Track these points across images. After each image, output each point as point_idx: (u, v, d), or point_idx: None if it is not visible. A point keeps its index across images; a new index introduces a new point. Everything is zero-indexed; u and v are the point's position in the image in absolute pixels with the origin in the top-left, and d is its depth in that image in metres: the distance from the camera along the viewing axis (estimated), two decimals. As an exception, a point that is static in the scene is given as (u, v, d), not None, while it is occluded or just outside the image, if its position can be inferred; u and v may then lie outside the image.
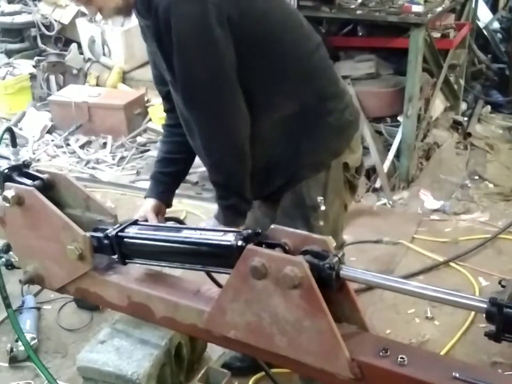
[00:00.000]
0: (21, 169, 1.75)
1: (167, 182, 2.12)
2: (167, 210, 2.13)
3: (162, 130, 2.25)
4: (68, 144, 5.00)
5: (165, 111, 2.16)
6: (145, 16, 1.81)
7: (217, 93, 1.76)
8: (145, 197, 2.11)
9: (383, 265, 3.24)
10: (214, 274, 1.57)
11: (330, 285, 1.24)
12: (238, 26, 1.73)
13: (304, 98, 1.87)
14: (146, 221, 1.95)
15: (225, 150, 1.81)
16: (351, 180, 2.03)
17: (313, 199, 1.94)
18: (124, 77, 5.64)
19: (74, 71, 5.59)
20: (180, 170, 2.16)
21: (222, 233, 1.39)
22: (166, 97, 2.06)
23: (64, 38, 6.11)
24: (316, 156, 1.92)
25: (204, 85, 1.76)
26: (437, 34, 4.33)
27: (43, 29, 5.96)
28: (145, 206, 2.06)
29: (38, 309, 2.88)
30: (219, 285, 1.58)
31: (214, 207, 3.98)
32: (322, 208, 1.94)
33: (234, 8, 1.72)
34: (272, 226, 1.36)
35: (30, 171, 1.74)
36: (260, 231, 1.36)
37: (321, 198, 1.93)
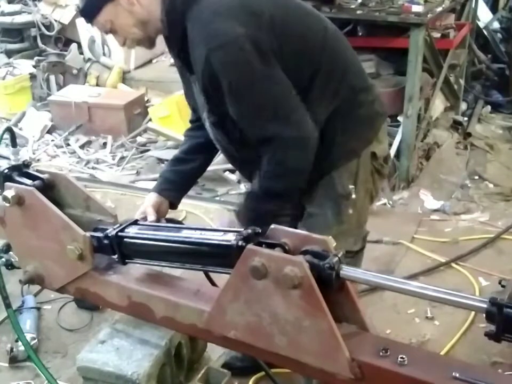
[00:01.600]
0: (21, 169, 1.75)
1: (173, 180, 2.13)
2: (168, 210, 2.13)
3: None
4: (68, 144, 5.00)
5: (190, 121, 2.22)
6: (178, 54, 1.91)
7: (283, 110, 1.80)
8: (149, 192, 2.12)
9: (383, 265, 3.24)
10: (212, 274, 1.57)
11: (330, 285, 1.24)
12: (278, 53, 1.78)
13: (343, 95, 1.92)
14: (146, 218, 1.95)
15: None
16: (379, 169, 2.06)
17: (345, 187, 1.97)
18: (124, 77, 5.64)
19: (74, 71, 5.59)
20: (189, 171, 2.15)
21: (222, 233, 1.39)
22: (194, 109, 2.14)
23: (64, 38, 6.12)
24: (347, 147, 1.96)
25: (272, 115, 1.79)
26: (437, 34, 4.32)
27: (43, 29, 5.96)
28: (146, 201, 2.06)
29: (38, 309, 2.88)
30: (214, 285, 1.59)
31: (214, 207, 3.97)
32: (353, 196, 1.98)
33: (270, 37, 1.76)
34: (273, 226, 1.36)
35: (30, 171, 1.74)
36: (260, 230, 1.36)
37: (353, 186, 1.97)
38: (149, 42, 1.95)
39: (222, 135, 1.99)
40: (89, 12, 1.88)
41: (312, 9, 2.01)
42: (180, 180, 2.14)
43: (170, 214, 2.16)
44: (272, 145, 1.81)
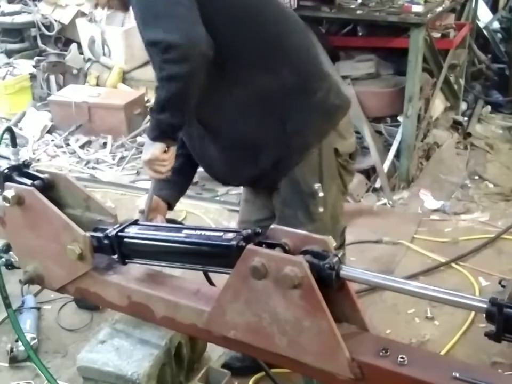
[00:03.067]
0: (21, 169, 1.75)
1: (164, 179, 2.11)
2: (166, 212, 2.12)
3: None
4: (68, 144, 5.00)
5: None
6: None
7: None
8: None
9: (383, 265, 3.24)
10: (212, 274, 1.57)
11: (330, 285, 1.24)
12: None
13: (282, 76, 1.88)
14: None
15: (184, 47, 1.72)
16: (344, 165, 2.05)
17: (310, 185, 1.96)
18: (124, 77, 5.64)
19: (74, 71, 5.59)
20: (178, 166, 2.08)
21: (222, 233, 1.39)
22: None
23: (64, 38, 6.11)
24: (301, 137, 1.93)
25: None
26: (437, 34, 4.33)
27: (43, 29, 5.96)
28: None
29: (38, 309, 2.88)
30: (213, 285, 1.59)
31: (214, 207, 3.98)
32: (321, 194, 1.96)
33: None
34: (272, 226, 1.36)
35: (30, 171, 1.74)
36: (260, 231, 1.36)
37: (319, 184, 1.96)
38: (121, 4, 1.94)
39: None
40: None
41: None
42: (171, 177, 2.08)
43: (170, 214, 2.15)
44: (154, 50, 1.77)
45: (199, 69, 1.74)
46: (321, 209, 1.98)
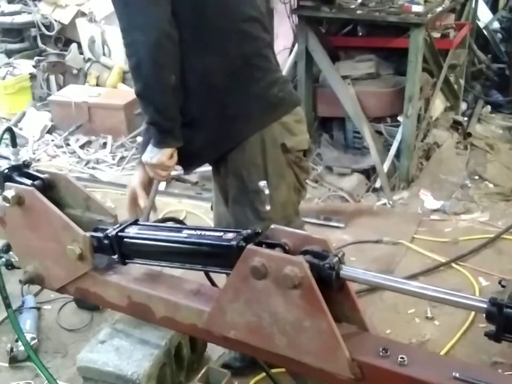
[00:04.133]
0: (21, 169, 1.75)
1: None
2: (167, 210, 2.13)
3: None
4: (68, 144, 5.00)
5: None
6: None
7: None
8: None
9: (383, 265, 3.24)
10: (212, 274, 1.57)
11: (330, 285, 1.24)
12: None
13: (228, 57, 1.88)
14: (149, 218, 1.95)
15: (146, 44, 1.76)
16: (296, 161, 2.01)
17: (254, 183, 1.93)
18: (124, 77, 5.64)
19: (74, 71, 5.59)
20: None
21: (222, 233, 1.39)
22: None
23: (64, 38, 6.11)
24: (238, 123, 1.92)
25: None
26: (437, 34, 4.33)
27: (43, 29, 5.96)
28: (132, 182, 2.04)
29: (38, 309, 2.88)
30: (215, 285, 1.59)
31: (214, 207, 3.90)
32: (266, 192, 1.92)
33: None
34: (272, 226, 1.36)
35: (30, 171, 1.74)
36: (260, 231, 1.36)
37: (264, 182, 1.92)
38: None
39: None
40: None
41: None
42: None
43: (171, 214, 2.15)
44: (126, 49, 1.82)
45: (162, 41, 1.77)
46: (267, 208, 1.93)
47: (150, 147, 1.90)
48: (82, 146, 4.96)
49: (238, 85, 1.91)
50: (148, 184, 2.05)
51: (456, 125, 4.90)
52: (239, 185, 1.97)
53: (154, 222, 1.74)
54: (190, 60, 1.85)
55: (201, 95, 1.89)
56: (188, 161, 2.01)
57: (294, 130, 2.00)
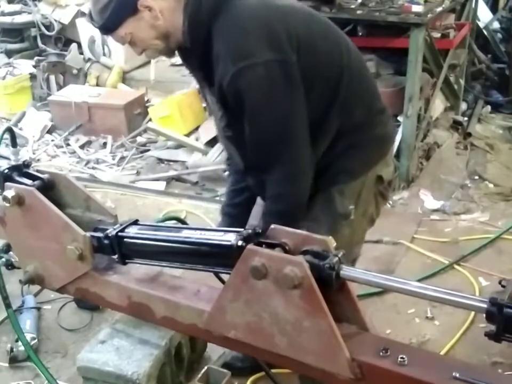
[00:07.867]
0: (21, 169, 1.74)
1: (235, 215, 2.13)
2: (167, 210, 2.13)
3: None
4: (68, 144, 5.00)
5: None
6: (200, 67, 1.87)
7: (289, 145, 1.80)
8: None
9: (383, 265, 3.24)
10: (211, 275, 1.57)
11: (331, 285, 1.24)
12: (300, 66, 1.77)
13: (355, 116, 1.90)
14: None
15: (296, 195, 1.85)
16: (383, 192, 2.04)
17: (345, 207, 1.93)
18: (124, 77, 5.65)
19: (74, 71, 5.59)
20: (249, 198, 2.13)
21: (222, 233, 1.39)
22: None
23: (64, 38, 6.11)
24: (353, 164, 1.93)
25: (276, 142, 1.80)
26: (437, 34, 4.32)
27: (43, 29, 5.96)
28: None
29: (38, 309, 2.88)
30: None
31: (214, 207, 3.97)
32: (352, 217, 1.93)
33: (295, 57, 1.76)
34: (272, 226, 1.36)
35: (30, 171, 1.74)
36: (260, 231, 1.36)
37: (353, 207, 1.93)
38: (169, 53, 1.93)
39: (235, 149, 1.98)
40: (110, 27, 1.82)
41: (333, 26, 1.98)
42: (241, 212, 2.14)
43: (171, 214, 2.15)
44: (267, 175, 1.83)
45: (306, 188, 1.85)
46: (347, 232, 1.94)
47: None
48: (82, 146, 4.96)
49: (362, 135, 1.93)
50: None
51: (456, 125, 4.89)
52: (325, 204, 1.94)
53: (158, 221, 1.74)
54: (320, 137, 1.87)
55: (323, 152, 1.90)
56: None
57: (389, 161, 2.04)
